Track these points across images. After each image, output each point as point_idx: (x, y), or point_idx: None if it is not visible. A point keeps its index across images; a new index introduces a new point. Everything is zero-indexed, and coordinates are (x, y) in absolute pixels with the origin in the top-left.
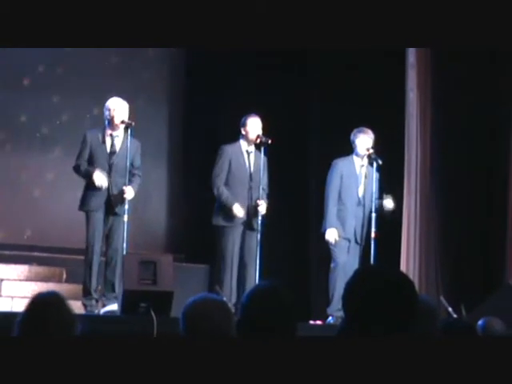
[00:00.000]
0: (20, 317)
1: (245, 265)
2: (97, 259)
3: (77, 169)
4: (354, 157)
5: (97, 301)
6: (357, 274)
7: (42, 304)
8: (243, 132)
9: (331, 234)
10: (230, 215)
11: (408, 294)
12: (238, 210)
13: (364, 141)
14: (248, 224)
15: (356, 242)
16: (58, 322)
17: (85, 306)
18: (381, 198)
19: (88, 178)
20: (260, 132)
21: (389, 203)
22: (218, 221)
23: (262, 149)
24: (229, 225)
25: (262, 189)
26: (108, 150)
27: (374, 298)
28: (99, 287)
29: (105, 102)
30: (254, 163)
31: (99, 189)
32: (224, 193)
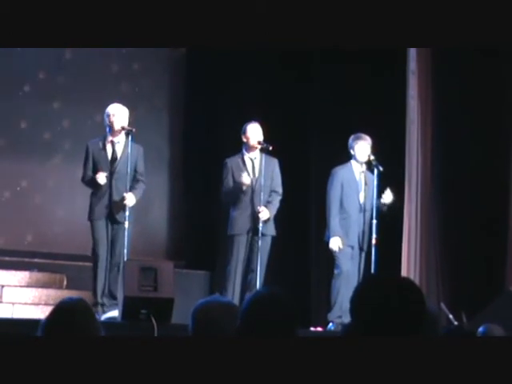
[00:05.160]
0: (45, 320)
1: (252, 270)
2: (102, 266)
3: (83, 180)
4: (353, 163)
5: (102, 306)
6: (367, 280)
7: (68, 310)
8: (244, 139)
9: (335, 243)
10: (242, 218)
11: (416, 300)
12: (246, 177)
13: (363, 147)
14: (253, 230)
15: (359, 248)
16: (83, 329)
17: (96, 312)
18: (380, 196)
19: (93, 183)
20: (261, 138)
21: (387, 197)
22: (230, 230)
23: (263, 155)
24: (237, 233)
25: (274, 191)
26: (109, 156)
27: (383, 304)
28: (104, 293)
29: (105, 109)
30: (259, 169)
31: (102, 195)
32: (230, 188)
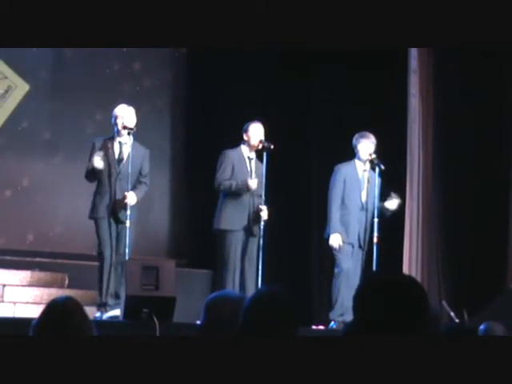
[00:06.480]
0: (36, 321)
1: (245, 271)
2: (107, 265)
3: (86, 174)
4: (356, 162)
5: (105, 305)
6: (370, 278)
7: (60, 309)
8: (245, 138)
9: (335, 240)
10: (235, 215)
11: (419, 298)
12: (253, 182)
13: (366, 146)
14: (249, 230)
15: (359, 246)
16: (75, 327)
17: (100, 311)
18: (383, 201)
19: (92, 171)
20: (262, 138)
21: (392, 204)
22: (219, 225)
23: (265, 154)
24: (230, 229)
25: (261, 196)
26: (116, 156)
27: (385, 301)
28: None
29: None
30: (256, 169)
31: (106, 194)
32: (231, 182)
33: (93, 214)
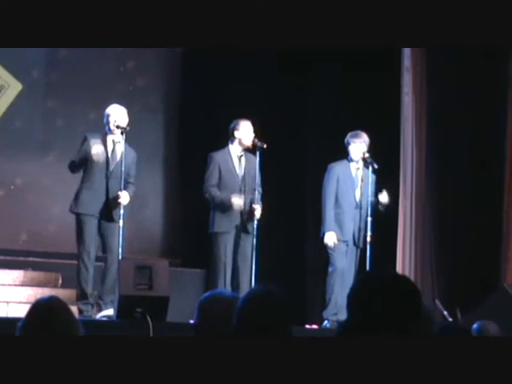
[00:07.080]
0: (22, 321)
1: (238, 269)
2: (92, 264)
3: (71, 165)
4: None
5: (92, 306)
6: (364, 277)
7: (45, 308)
8: (236, 135)
9: (330, 238)
10: (226, 217)
11: (413, 297)
12: (238, 201)
13: (358, 146)
14: (242, 228)
15: (354, 244)
16: (62, 326)
17: (80, 310)
18: (376, 196)
19: (85, 158)
20: (252, 136)
21: (384, 198)
22: (212, 228)
23: (258, 153)
24: (223, 231)
25: (256, 190)
26: (109, 155)
27: (379, 301)
28: (95, 292)
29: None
30: (246, 167)
31: (96, 192)
32: (217, 194)
33: (77, 209)
